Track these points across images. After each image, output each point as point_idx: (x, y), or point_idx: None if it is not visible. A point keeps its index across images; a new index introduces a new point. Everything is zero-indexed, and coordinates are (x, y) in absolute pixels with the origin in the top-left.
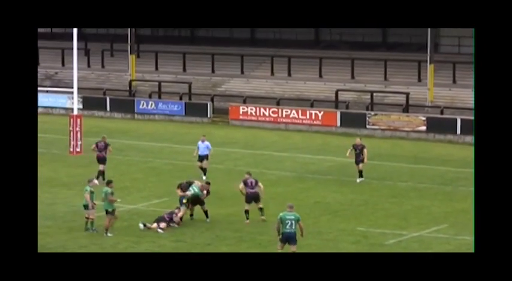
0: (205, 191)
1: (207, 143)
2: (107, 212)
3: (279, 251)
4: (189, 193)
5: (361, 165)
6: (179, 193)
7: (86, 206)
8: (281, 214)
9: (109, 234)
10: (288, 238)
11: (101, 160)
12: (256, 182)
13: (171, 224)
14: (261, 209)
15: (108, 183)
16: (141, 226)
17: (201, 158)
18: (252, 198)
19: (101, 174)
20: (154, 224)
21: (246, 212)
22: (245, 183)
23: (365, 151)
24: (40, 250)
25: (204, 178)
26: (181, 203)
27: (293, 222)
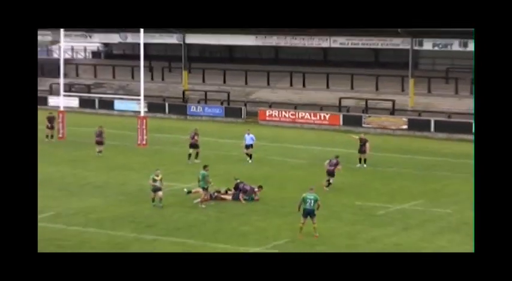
0: (257, 198)
1: (251, 135)
2: (203, 189)
3: (301, 225)
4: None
5: (364, 155)
6: (241, 198)
7: (152, 189)
8: (304, 195)
9: (202, 206)
10: (308, 213)
11: (193, 146)
12: (337, 163)
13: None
14: (329, 183)
15: (205, 167)
16: (186, 190)
17: (247, 146)
18: (329, 174)
19: (195, 155)
20: (199, 190)
21: (327, 181)
22: (329, 162)
23: (367, 144)
24: (112, 218)
25: (250, 161)
26: (236, 197)
27: (312, 201)
